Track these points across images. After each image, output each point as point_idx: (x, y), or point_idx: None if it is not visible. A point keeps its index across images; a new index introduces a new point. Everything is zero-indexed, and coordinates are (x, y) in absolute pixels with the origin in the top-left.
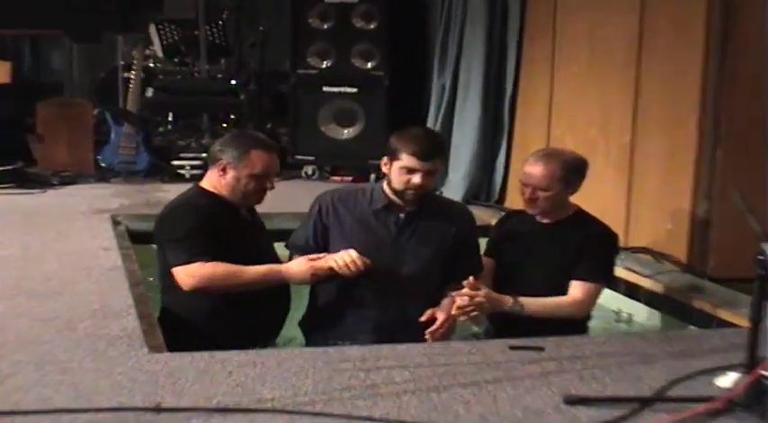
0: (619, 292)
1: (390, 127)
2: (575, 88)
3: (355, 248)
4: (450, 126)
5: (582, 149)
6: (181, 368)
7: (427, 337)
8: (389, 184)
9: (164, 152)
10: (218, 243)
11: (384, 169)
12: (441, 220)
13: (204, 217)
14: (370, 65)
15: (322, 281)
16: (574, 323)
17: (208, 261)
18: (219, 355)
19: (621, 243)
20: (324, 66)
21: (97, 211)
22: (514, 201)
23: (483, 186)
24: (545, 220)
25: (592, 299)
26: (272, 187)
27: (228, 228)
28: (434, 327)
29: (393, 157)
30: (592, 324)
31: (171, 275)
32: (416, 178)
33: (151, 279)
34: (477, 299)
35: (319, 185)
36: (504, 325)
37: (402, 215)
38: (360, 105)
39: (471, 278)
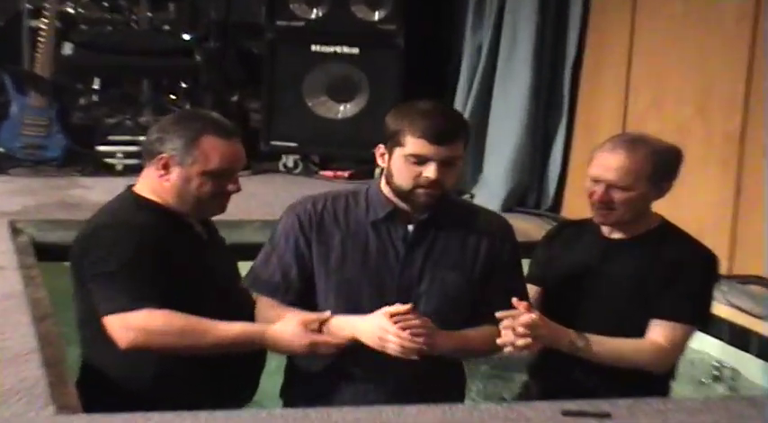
0: (720, 337)
1: (405, 102)
2: (663, 50)
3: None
4: (487, 102)
5: (671, 137)
6: None
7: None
8: (390, 181)
9: (86, 133)
10: (167, 278)
11: (380, 161)
12: (467, 233)
13: (147, 241)
14: (377, 15)
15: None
16: (650, 379)
17: (155, 308)
18: (157, 418)
19: (724, 270)
20: (313, 15)
21: None
22: (576, 208)
23: (532, 187)
24: (616, 235)
25: (679, 346)
26: (238, 189)
27: (179, 253)
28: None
29: (394, 142)
30: (678, 382)
31: (97, 322)
32: (430, 170)
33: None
34: (533, 321)
35: (304, 183)
36: (551, 376)
37: (411, 227)
38: (363, 72)
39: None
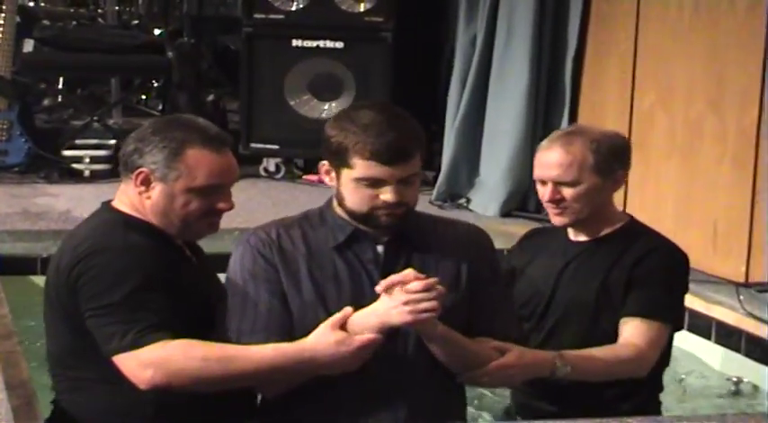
0: (737, 350)
1: (394, 100)
2: (672, 40)
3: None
4: (482, 99)
5: (683, 132)
6: None
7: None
8: (342, 205)
9: (50, 137)
10: (173, 305)
11: (327, 180)
12: (443, 248)
13: (148, 265)
14: (363, 6)
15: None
16: (637, 393)
17: (169, 339)
18: None
19: (741, 276)
20: (293, 7)
21: None
22: None
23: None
24: (581, 238)
25: (654, 344)
26: (230, 207)
27: (177, 278)
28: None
29: (340, 162)
30: (692, 397)
31: (83, 361)
32: (386, 194)
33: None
34: (499, 365)
35: (287, 188)
36: (534, 396)
37: (380, 247)
38: (348, 68)
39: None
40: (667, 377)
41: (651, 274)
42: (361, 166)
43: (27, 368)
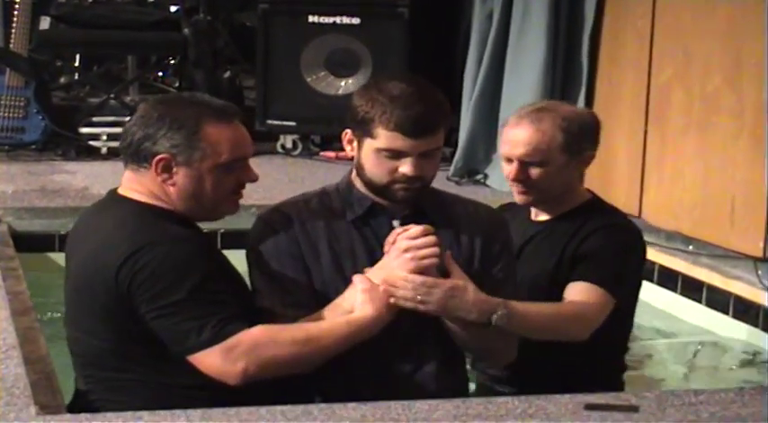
0: (756, 325)
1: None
2: (690, 15)
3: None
4: (499, 74)
5: (698, 110)
6: None
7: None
8: (361, 174)
9: (67, 114)
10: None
11: (348, 149)
12: (458, 226)
13: (204, 253)
14: None
15: None
16: (603, 372)
17: (246, 327)
18: (148, 416)
19: (760, 250)
20: None
21: None
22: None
23: None
24: (542, 217)
25: (597, 309)
26: (256, 178)
27: (223, 262)
28: None
29: (363, 131)
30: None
31: (117, 358)
32: (406, 166)
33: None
34: (452, 290)
35: (304, 165)
36: (496, 380)
37: (396, 221)
38: (364, 44)
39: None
40: (684, 351)
41: (602, 247)
42: (384, 137)
43: (45, 344)
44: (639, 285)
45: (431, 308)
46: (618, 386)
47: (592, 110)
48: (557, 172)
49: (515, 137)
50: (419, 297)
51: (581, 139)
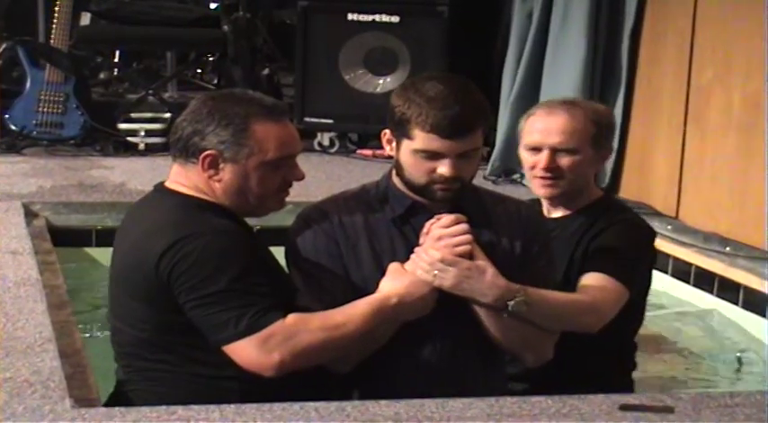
0: None
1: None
2: (731, 15)
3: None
4: (538, 74)
5: (739, 111)
6: None
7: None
8: (400, 174)
9: (106, 110)
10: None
11: (387, 149)
12: (498, 224)
13: (244, 245)
14: None
15: None
16: (614, 370)
17: (282, 317)
18: (182, 411)
19: None
20: None
21: (3, 197)
22: (634, 187)
23: None
24: (555, 215)
25: (611, 301)
26: (302, 176)
27: (265, 254)
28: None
29: (401, 132)
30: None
31: (156, 347)
32: (444, 167)
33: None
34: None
35: (341, 162)
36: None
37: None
38: (403, 42)
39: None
40: (722, 354)
41: (618, 241)
42: (421, 139)
43: (81, 337)
44: (650, 283)
45: (445, 284)
46: (627, 383)
47: (606, 107)
48: (585, 163)
49: (549, 125)
50: (435, 272)
51: (608, 134)
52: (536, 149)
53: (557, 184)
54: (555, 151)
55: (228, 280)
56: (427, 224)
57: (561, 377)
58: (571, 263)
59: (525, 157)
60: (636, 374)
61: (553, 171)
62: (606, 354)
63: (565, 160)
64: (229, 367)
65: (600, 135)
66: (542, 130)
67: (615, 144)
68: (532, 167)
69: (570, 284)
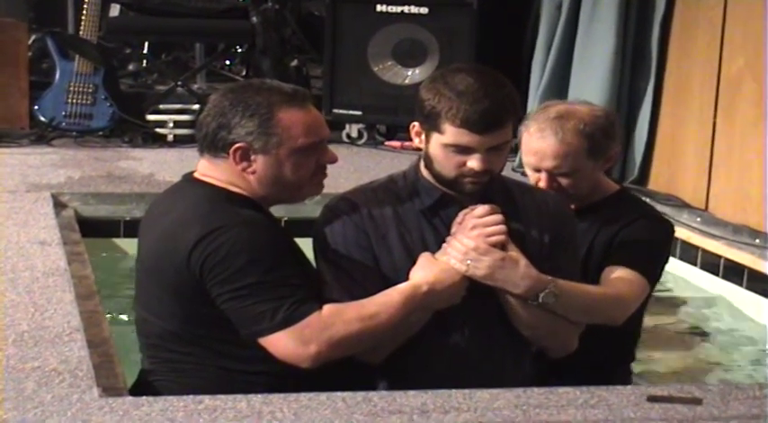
0: None
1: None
2: (763, 5)
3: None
4: (567, 65)
5: None
6: (149, 420)
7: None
8: (429, 167)
9: (135, 101)
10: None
11: (416, 141)
12: (527, 215)
13: (277, 237)
14: None
15: None
16: (613, 361)
17: (317, 308)
18: (209, 401)
19: None
20: None
21: (32, 188)
22: (664, 179)
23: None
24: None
25: (635, 295)
26: (335, 159)
27: (294, 249)
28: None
29: (430, 125)
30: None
31: (184, 340)
32: (474, 161)
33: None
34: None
35: (369, 154)
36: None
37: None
38: (432, 33)
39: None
40: (752, 347)
41: (647, 235)
42: (451, 133)
43: (108, 327)
44: (659, 277)
45: (479, 273)
46: (626, 372)
47: (604, 107)
48: (585, 178)
49: (542, 147)
50: (469, 261)
51: (603, 140)
52: (535, 170)
53: (563, 194)
54: (551, 173)
55: (262, 272)
56: (460, 214)
57: (566, 366)
58: (589, 254)
59: (527, 170)
60: (663, 366)
61: (556, 189)
62: (614, 343)
63: (563, 181)
64: (258, 362)
65: (595, 146)
66: (537, 152)
67: (644, 134)
68: (536, 182)
69: (587, 276)
